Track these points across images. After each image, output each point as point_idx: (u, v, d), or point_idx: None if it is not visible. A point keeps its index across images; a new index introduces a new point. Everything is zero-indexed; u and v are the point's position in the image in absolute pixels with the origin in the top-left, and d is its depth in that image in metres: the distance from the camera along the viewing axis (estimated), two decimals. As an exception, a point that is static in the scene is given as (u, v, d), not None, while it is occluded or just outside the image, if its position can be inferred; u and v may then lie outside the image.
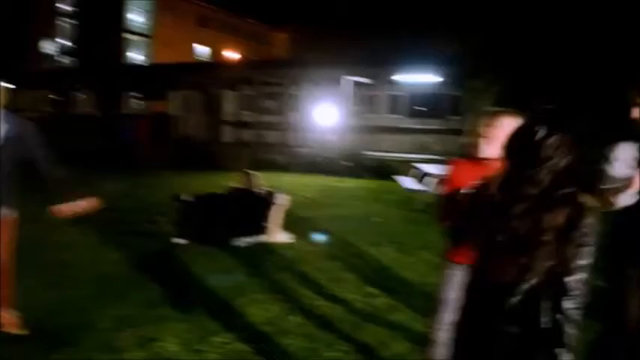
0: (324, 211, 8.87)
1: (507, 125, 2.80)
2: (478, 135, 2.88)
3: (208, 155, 16.43)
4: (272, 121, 21.95)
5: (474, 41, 11.70)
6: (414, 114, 18.05)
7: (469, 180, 2.79)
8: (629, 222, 2.67)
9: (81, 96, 27.93)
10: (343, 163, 14.96)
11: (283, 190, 11.34)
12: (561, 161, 1.78)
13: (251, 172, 7.04)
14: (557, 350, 1.70)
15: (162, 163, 15.65)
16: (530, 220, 1.74)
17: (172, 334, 3.89)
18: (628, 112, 2.81)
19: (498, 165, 2.87)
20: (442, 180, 3.01)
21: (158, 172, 13.94)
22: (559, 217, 1.71)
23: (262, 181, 7.04)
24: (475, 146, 2.88)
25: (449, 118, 15.23)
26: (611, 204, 2.67)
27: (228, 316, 4.20)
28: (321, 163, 15.04)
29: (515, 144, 1.90)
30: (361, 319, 4.20)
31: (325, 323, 4.11)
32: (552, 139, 1.80)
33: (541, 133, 1.81)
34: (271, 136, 20.91)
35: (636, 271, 2.72)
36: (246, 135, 19.10)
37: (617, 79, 9.06)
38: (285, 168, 15.63)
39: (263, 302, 4.51)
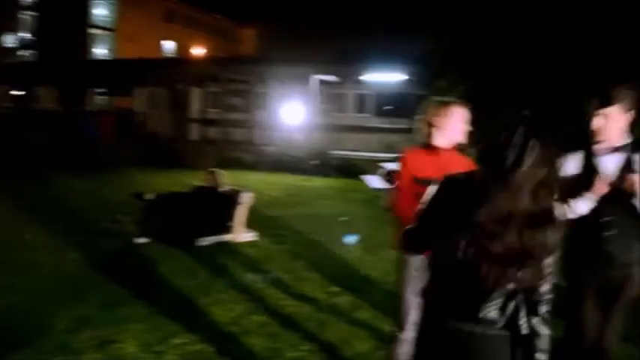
0: (289, 210, 8.84)
1: (456, 115, 2.88)
2: (429, 124, 2.91)
3: (174, 153, 16.20)
4: (239, 119, 21.79)
5: (439, 40, 11.81)
6: (381, 113, 18.14)
7: (423, 168, 2.84)
8: (585, 230, 2.70)
9: (43, 91, 27.25)
10: (310, 162, 14.95)
11: (249, 188, 11.31)
12: (541, 171, 1.69)
13: (215, 170, 6.96)
14: (537, 355, 1.72)
15: (127, 161, 15.36)
16: (516, 238, 1.67)
17: (132, 335, 3.81)
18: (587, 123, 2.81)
19: (450, 154, 2.92)
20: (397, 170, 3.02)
21: (122, 170, 13.68)
22: (544, 234, 1.68)
23: (226, 179, 6.96)
24: (427, 135, 2.91)
25: (416, 117, 15.34)
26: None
27: (190, 317, 4.14)
28: (288, 161, 14.98)
29: (490, 150, 1.79)
30: (325, 318, 4.19)
31: (289, 323, 4.09)
32: (532, 146, 1.69)
33: (518, 138, 1.70)
34: (238, 134, 20.76)
35: (592, 278, 2.76)
36: (213, 133, 18.92)
37: (591, 82, 9.29)
38: (251, 166, 15.52)
39: (226, 302, 4.47)
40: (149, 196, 6.62)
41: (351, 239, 6.27)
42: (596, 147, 2.77)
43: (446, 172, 2.80)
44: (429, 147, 2.93)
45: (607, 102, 2.69)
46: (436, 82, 12.57)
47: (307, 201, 10.16)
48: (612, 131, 2.70)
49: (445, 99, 3.02)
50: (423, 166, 2.85)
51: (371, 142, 15.82)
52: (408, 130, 13.03)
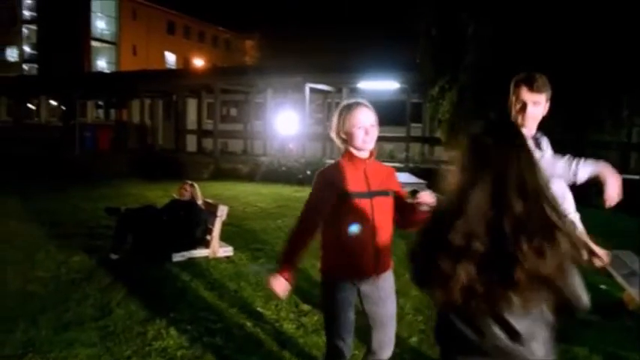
0: (273, 221, 8.62)
1: (361, 118, 2.56)
2: (337, 134, 2.65)
3: (170, 164, 16.05)
4: (235, 130, 21.69)
5: (429, 48, 11.63)
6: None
7: (349, 180, 2.59)
8: None
9: (42, 104, 27.25)
10: (307, 172, 14.75)
11: (239, 199, 11.19)
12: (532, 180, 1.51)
13: (191, 183, 6.76)
14: None
15: (122, 173, 15.28)
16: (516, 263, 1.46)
17: (79, 360, 3.61)
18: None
19: (372, 160, 2.66)
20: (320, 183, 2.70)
21: (116, 182, 13.57)
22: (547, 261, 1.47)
23: (200, 192, 6.73)
24: (349, 143, 2.62)
25: (411, 125, 15.15)
26: None
27: (142, 340, 3.93)
28: (284, 172, 14.78)
29: (476, 157, 1.57)
30: (284, 341, 3.97)
31: (246, 345, 3.87)
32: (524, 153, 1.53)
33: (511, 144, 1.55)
34: (234, 145, 20.65)
35: None
36: (209, 144, 18.76)
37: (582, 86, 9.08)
38: (247, 177, 15.38)
39: (184, 323, 4.25)
40: (121, 209, 6.42)
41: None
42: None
43: (370, 184, 2.64)
44: (352, 156, 2.63)
45: (540, 89, 2.71)
46: (429, 90, 12.41)
47: (294, 212, 9.87)
48: (538, 119, 2.74)
49: (346, 103, 2.68)
50: (344, 180, 2.60)
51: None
52: (403, 139, 12.93)
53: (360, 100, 2.68)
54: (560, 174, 2.65)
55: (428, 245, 1.59)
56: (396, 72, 14.88)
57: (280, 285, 2.59)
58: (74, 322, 4.24)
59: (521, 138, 1.60)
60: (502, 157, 1.53)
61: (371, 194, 2.57)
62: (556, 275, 1.47)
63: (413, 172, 11.92)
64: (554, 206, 1.52)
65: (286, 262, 2.64)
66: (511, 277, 1.44)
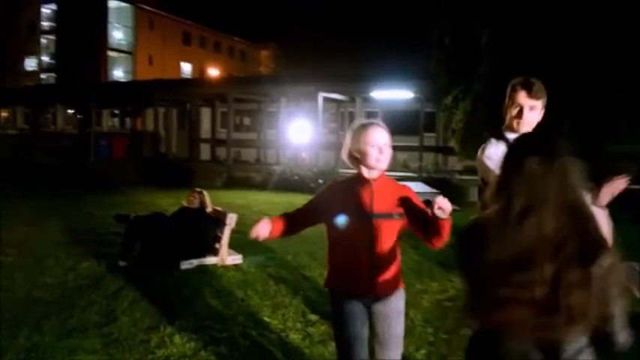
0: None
1: (375, 137, 2.53)
2: (349, 152, 2.59)
3: (183, 172, 16.11)
4: (248, 139, 21.72)
5: (443, 57, 11.54)
6: (390, 131, 17.80)
7: (352, 200, 2.54)
8: None
9: (58, 113, 27.56)
10: (318, 181, 14.68)
11: (251, 208, 11.14)
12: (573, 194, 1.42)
13: (200, 190, 6.71)
14: None
15: (136, 181, 15.35)
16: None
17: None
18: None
19: (384, 180, 2.61)
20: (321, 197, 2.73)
21: (129, 190, 13.62)
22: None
23: (209, 200, 6.68)
24: (361, 162, 2.57)
25: (424, 135, 15.03)
26: None
27: (146, 348, 3.86)
28: (297, 181, 14.73)
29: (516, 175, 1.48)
30: (289, 351, 3.88)
31: (248, 355, 3.79)
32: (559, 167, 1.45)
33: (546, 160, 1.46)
34: (248, 154, 20.67)
35: None
36: (222, 152, 18.80)
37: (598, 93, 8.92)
38: (260, 186, 15.35)
39: (190, 330, 4.18)
40: (130, 216, 6.40)
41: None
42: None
43: (374, 206, 2.55)
44: (357, 176, 2.61)
45: (537, 94, 2.68)
46: (443, 99, 12.31)
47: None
48: (533, 125, 2.70)
49: (360, 122, 2.63)
50: (347, 198, 2.57)
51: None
52: (416, 148, 12.80)
53: (374, 120, 2.65)
54: None
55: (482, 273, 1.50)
56: (410, 81, 14.78)
57: (261, 227, 2.59)
58: (78, 329, 4.19)
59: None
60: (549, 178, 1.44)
61: (372, 216, 2.51)
62: (601, 304, 1.37)
63: (426, 181, 11.80)
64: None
65: (274, 218, 2.70)
66: (558, 303, 1.35)
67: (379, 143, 2.52)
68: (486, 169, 2.66)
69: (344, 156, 2.63)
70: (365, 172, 2.55)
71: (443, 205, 2.32)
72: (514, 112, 2.69)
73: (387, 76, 15.58)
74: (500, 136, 2.75)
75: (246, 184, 15.83)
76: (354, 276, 2.56)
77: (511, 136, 2.72)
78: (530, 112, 2.66)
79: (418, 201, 2.60)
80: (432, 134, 15.49)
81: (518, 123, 2.68)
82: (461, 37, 10.72)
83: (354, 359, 2.55)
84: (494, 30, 9.94)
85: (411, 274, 5.83)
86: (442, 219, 2.35)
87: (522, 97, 2.66)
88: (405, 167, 15.40)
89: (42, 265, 6.06)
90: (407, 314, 4.64)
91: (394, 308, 2.61)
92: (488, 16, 10.16)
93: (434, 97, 13.42)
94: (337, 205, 2.57)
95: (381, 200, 2.53)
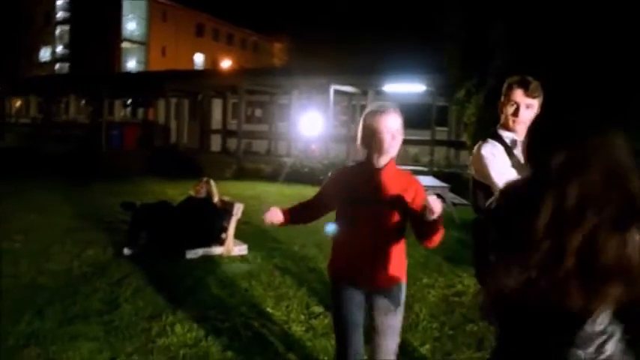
0: (292, 222, 8.48)
1: (388, 123, 2.47)
2: (361, 137, 2.54)
3: (194, 163, 16.09)
4: (259, 130, 21.66)
5: (457, 51, 11.37)
6: (403, 125, 17.66)
7: (357, 185, 2.52)
8: None
9: (71, 102, 27.69)
10: (329, 173, 14.62)
11: (260, 199, 11.08)
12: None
13: (208, 180, 6.67)
14: None
15: (146, 170, 15.36)
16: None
17: (80, 354, 3.52)
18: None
19: (392, 168, 2.54)
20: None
21: (139, 180, 13.64)
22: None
23: (217, 189, 6.63)
24: (364, 151, 2.55)
25: (436, 129, 14.88)
26: None
27: (146, 337, 3.82)
28: (307, 173, 14.66)
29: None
30: (291, 343, 3.82)
31: (250, 347, 3.73)
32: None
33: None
34: (258, 145, 20.62)
35: None
36: (233, 144, 18.76)
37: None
38: (270, 178, 15.30)
39: (192, 320, 4.13)
40: (135, 204, 6.37)
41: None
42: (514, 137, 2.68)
43: (379, 193, 2.51)
44: (368, 164, 2.55)
45: (534, 93, 2.65)
46: (455, 93, 12.15)
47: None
48: (527, 125, 2.61)
49: (374, 108, 2.57)
50: (351, 184, 2.55)
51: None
52: (428, 142, 12.65)
53: (388, 104, 2.58)
54: None
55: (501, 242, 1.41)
56: (422, 75, 14.63)
57: (273, 213, 2.69)
58: (80, 316, 4.16)
59: None
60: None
61: (376, 203, 2.47)
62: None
63: (437, 176, 11.68)
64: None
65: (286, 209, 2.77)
66: (592, 265, 1.25)
67: (392, 129, 2.48)
68: (483, 167, 2.63)
69: (358, 141, 2.59)
70: (375, 158, 2.51)
71: (433, 207, 2.25)
72: (510, 110, 2.66)
73: (400, 70, 15.43)
74: (495, 135, 2.71)
75: (257, 176, 15.79)
76: (355, 264, 2.53)
77: (506, 134, 2.69)
78: (527, 110, 2.63)
79: (422, 195, 2.53)
80: (444, 128, 15.35)
81: (514, 121, 2.65)
82: (475, 31, 10.55)
83: (347, 346, 2.54)
84: (508, 24, 9.77)
85: (418, 268, 5.75)
86: (430, 220, 2.29)
87: (519, 95, 2.63)
88: (416, 161, 15.28)
89: (48, 252, 6.06)
90: (412, 308, 4.58)
91: (394, 301, 2.55)
92: (503, 10, 9.98)
93: (446, 91, 13.25)
94: (343, 191, 2.56)
95: (387, 188, 2.47)
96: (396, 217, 2.48)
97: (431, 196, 2.26)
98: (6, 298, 4.54)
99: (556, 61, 7.42)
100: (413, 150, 15.85)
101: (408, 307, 4.56)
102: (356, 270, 2.53)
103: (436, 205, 2.24)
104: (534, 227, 1.28)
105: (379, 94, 17.02)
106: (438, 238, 2.42)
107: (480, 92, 10.49)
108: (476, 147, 2.72)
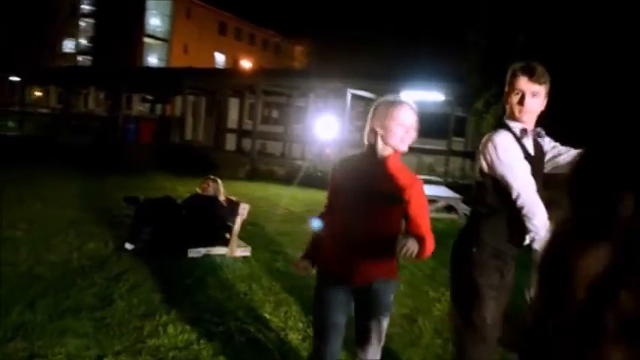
0: (299, 226, 8.33)
1: (404, 117, 2.36)
2: (371, 128, 2.42)
3: (208, 161, 16.05)
4: (275, 132, 21.57)
5: (477, 59, 11.18)
6: (419, 133, 17.46)
7: (354, 174, 2.42)
8: None
9: (91, 95, 27.87)
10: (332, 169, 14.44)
11: (270, 201, 10.96)
12: None
13: (215, 178, 6.54)
14: None
15: (160, 166, 15.34)
16: None
17: (66, 350, 3.40)
18: None
19: (395, 161, 2.42)
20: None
21: (151, 175, 13.59)
22: None
23: (223, 188, 6.51)
24: (370, 140, 2.42)
25: (453, 139, 14.64)
26: None
27: (137, 336, 3.69)
28: (319, 177, 14.52)
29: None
30: (286, 351, 3.66)
31: (241, 353, 3.58)
32: None
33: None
34: (273, 147, 20.52)
35: None
36: (248, 144, 18.70)
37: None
38: (283, 180, 15.19)
39: (185, 321, 3.99)
40: (139, 199, 6.26)
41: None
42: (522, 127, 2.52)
43: (376, 185, 2.37)
44: (370, 153, 2.45)
45: (540, 79, 2.46)
46: (474, 103, 11.94)
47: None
48: (536, 114, 2.53)
49: (391, 99, 2.46)
50: (348, 173, 2.47)
51: (404, 162, 15.15)
52: (444, 152, 12.43)
53: (404, 99, 2.47)
54: (566, 156, 2.58)
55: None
56: (441, 83, 14.41)
57: (298, 270, 2.64)
58: (72, 310, 4.05)
59: None
60: None
61: (374, 195, 2.35)
62: None
63: (451, 186, 11.46)
64: None
65: (306, 249, 2.67)
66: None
67: (407, 123, 2.37)
68: (492, 159, 2.46)
69: (365, 132, 2.47)
70: (381, 149, 2.39)
71: (408, 251, 2.14)
72: (515, 99, 2.48)
73: (418, 77, 15.23)
74: (504, 126, 2.54)
75: (270, 178, 15.70)
76: (344, 258, 2.40)
77: (514, 125, 2.51)
78: (533, 98, 2.45)
79: (419, 199, 2.39)
80: (461, 139, 15.11)
81: (520, 111, 2.47)
82: (497, 39, 10.36)
83: (324, 346, 2.46)
84: (530, 34, 9.56)
85: (424, 281, 5.57)
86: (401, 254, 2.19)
87: (523, 82, 2.44)
88: (431, 171, 15.06)
89: (49, 242, 5.97)
90: (416, 322, 4.40)
91: (380, 301, 2.40)
92: (526, 21, 9.78)
93: (465, 101, 13.04)
94: (340, 180, 2.47)
95: (385, 180, 2.34)
96: (393, 212, 2.35)
97: (411, 241, 2.13)
98: (2, 286, 4.45)
99: (579, 72, 7.20)
100: (428, 159, 15.63)
101: (412, 321, 4.40)
102: (344, 264, 2.40)
103: (411, 249, 2.15)
104: (576, 285, 1.02)
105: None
106: (425, 255, 2.32)
107: (499, 103, 10.25)
108: (485, 137, 2.55)
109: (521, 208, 2.36)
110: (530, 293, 2.78)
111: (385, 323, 2.46)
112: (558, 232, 1.07)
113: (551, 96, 2.64)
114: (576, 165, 1.06)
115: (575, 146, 2.61)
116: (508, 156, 2.43)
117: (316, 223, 2.49)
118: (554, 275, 1.07)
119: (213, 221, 6.15)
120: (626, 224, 0.91)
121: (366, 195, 2.34)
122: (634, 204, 0.89)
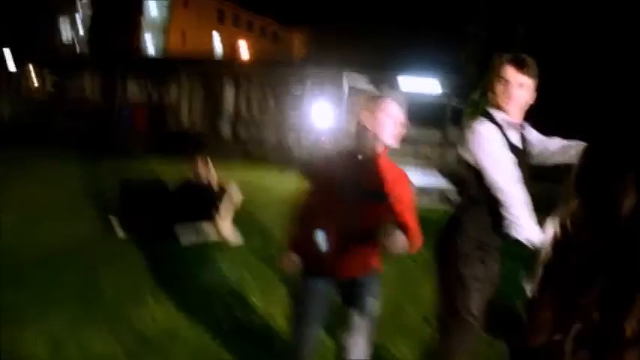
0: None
1: (393, 111, 2.31)
2: (358, 123, 2.36)
3: (203, 147, 15.98)
4: (270, 120, 21.48)
5: (476, 50, 11.11)
6: (414, 123, 17.41)
7: (338, 171, 2.35)
8: None
9: (86, 81, 27.65)
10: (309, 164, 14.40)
11: (265, 188, 10.91)
12: None
13: (204, 159, 6.45)
14: None
15: (155, 151, 15.28)
16: None
17: (51, 333, 3.35)
18: None
19: (382, 157, 2.37)
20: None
21: (147, 160, 13.54)
22: None
23: (214, 172, 6.44)
24: (357, 136, 2.36)
25: (449, 129, 14.59)
26: None
27: (121, 323, 3.64)
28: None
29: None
30: (272, 337, 3.62)
31: (227, 338, 3.54)
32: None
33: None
34: (269, 135, 20.44)
35: None
36: (244, 131, 18.63)
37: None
38: (278, 167, 15.15)
39: (172, 307, 3.95)
40: (127, 183, 6.20)
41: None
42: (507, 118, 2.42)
43: (362, 181, 2.31)
44: (355, 150, 2.39)
45: (529, 71, 2.38)
46: (470, 94, 11.89)
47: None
48: (522, 107, 2.45)
49: (377, 93, 2.48)
50: (331, 170, 2.39)
51: (402, 152, 15.13)
52: (440, 143, 12.40)
53: (392, 93, 2.43)
54: (555, 149, 2.49)
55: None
56: (438, 74, 14.35)
57: (287, 265, 2.54)
58: (56, 296, 3.99)
59: None
60: None
61: (357, 192, 2.30)
62: None
63: (447, 177, 11.42)
64: None
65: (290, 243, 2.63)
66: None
67: (397, 118, 2.32)
68: (476, 151, 2.38)
69: (351, 126, 2.45)
70: (367, 144, 2.34)
71: (395, 247, 2.07)
72: (500, 88, 2.38)
73: (415, 67, 15.16)
74: (487, 115, 2.44)
75: (265, 165, 15.66)
76: (328, 253, 2.35)
77: (497, 114, 2.42)
78: (519, 89, 2.36)
79: (405, 195, 2.35)
80: (458, 130, 15.06)
81: (506, 99, 2.38)
82: (497, 30, 10.30)
83: (302, 344, 2.47)
84: (529, 26, 9.51)
85: (419, 271, 5.53)
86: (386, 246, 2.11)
87: (510, 71, 2.35)
88: (427, 161, 15.03)
89: (38, 225, 5.91)
90: (406, 311, 4.36)
91: (366, 295, 2.36)
92: (526, 13, 9.73)
93: (462, 91, 12.99)
94: (326, 176, 2.40)
95: (372, 178, 2.28)
96: (380, 209, 2.29)
97: (400, 236, 2.07)
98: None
99: (577, 65, 7.16)
100: (424, 150, 15.58)
101: (400, 309, 4.37)
102: (330, 258, 2.36)
103: (397, 245, 2.08)
104: (585, 291, 0.96)
105: (393, 89, 16.76)
106: (413, 249, 2.27)
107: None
108: (469, 128, 2.46)
109: (501, 198, 2.31)
110: (530, 287, 2.74)
111: (371, 317, 2.43)
112: (568, 227, 1.01)
113: (551, 87, 2.58)
114: (582, 162, 1.04)
115: (567, 137, 2.55)
116: (491, 146, 2.36)
117: (321, 237, 2.40)
118: (564, 270, 1.02)
119: (202, 203, 6.08)
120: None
121: (353, 192, 2.29)
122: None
